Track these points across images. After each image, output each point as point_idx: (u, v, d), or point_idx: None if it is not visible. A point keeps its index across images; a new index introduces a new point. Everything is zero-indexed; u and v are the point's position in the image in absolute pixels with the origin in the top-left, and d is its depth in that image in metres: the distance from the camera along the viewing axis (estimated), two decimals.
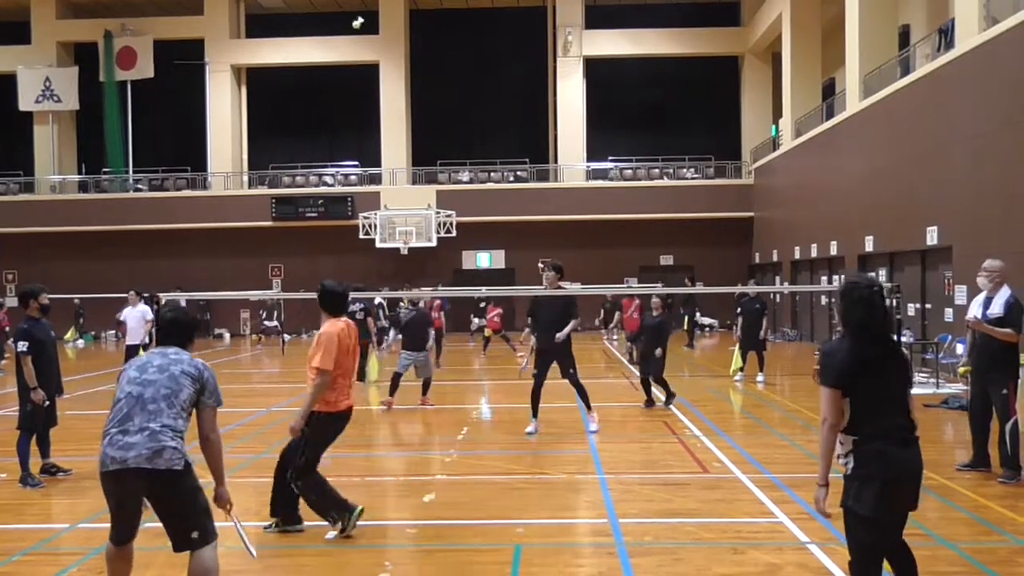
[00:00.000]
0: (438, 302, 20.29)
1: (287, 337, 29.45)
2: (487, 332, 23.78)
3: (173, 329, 5.34)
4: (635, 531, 7.02)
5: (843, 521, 4.54)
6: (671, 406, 13.28)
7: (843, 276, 22.66)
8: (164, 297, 10.93)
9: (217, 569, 5.02)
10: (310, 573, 6.32)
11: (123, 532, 5.06)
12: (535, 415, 11.36)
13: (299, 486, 6.93)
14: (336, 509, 6.95)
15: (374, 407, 14.64)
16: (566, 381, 11.36)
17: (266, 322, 30.54)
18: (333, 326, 6.95)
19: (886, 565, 4.69)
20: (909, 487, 4.45)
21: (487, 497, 8.26)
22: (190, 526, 4.91)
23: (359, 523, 6.99)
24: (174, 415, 4.94)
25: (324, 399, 6.86)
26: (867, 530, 4.41)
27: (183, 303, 28.69)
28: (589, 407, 11.50)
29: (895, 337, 4.53)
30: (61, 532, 7.50)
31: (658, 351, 13.32)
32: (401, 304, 15.75)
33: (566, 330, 10.98)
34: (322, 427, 6.96)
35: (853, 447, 4.42)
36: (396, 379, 13.95)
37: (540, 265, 12.14)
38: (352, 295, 17.19)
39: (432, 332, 14.71)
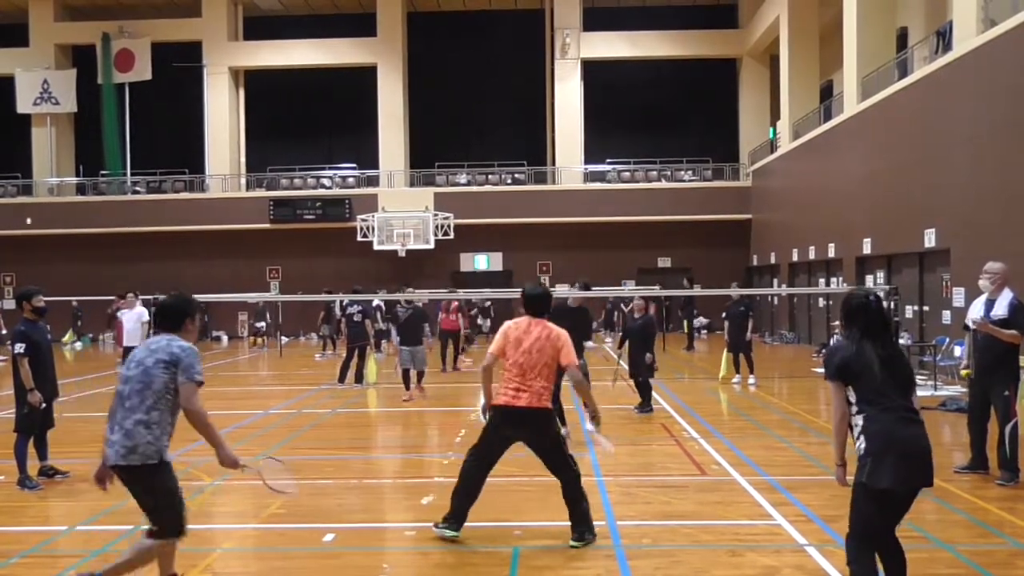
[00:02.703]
0: (455, 304, 20.34)
1: (284, 339, 29.44)
2: None
3: (162, 313, 5.52)
4: (633, 533, 7.01)
5: (851, 497, 4.87)
6: (642, 413, 13.20)
7: (846, 285, 22.79)
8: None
9: (146, 558, 5.34)
10: (309, 574, 6.31)
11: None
12: (563, 422, 11.27)
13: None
14: (454, 506, 6.93)
15: (373, 409, 14.65)
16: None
17: (256, 324, 30.58)
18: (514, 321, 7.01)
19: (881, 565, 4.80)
20: (919, 462, 4.77)
21: (485, 499, 8.22)
22: (154, 519, 5.25)
23: (358, 525, 6.97)
24: (147, 408, 5.17)
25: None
26: (878, 505, 4.75)
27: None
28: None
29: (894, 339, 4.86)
30: (59, 535, 7.48)
31: (648, 356, 13.25)
32: (400, 304, 15.85)
33: (583, 353, 10.80)
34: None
35: (864, 425, 4.79)
36: (405, 375, 14.26)
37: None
38: (350, 297, 17.35)
39: (427, 328, 14.99)
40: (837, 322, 20.01)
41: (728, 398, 15.42)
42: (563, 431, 11.21)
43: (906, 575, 4.89)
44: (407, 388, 14.84)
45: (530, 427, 6.82)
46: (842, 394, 4.87)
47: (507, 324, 6.97)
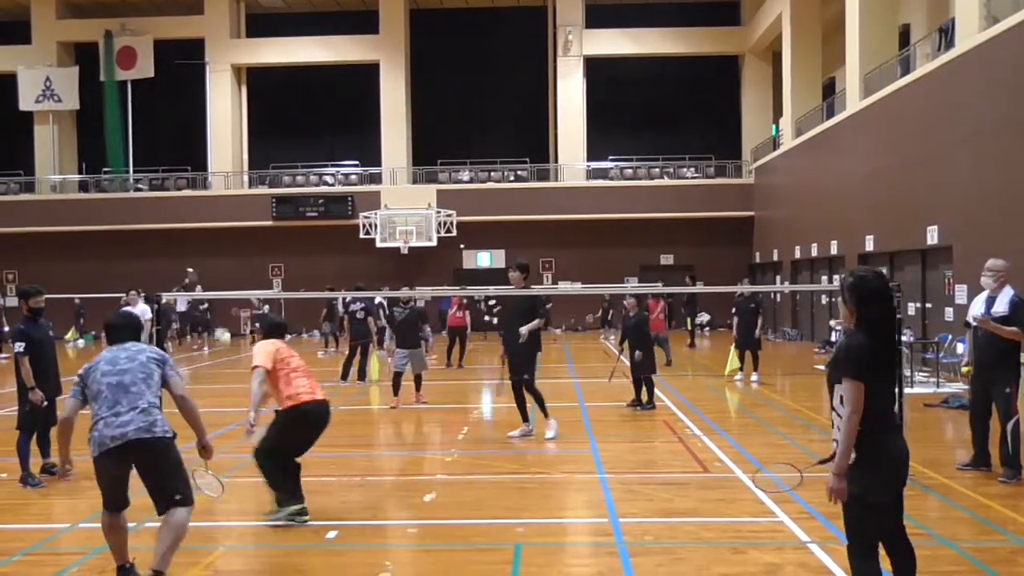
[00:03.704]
0: (454, 300, 20.32)
1: (287, 337, 29.42)
2: None
3: (124, 326, 6.17)
4: (635, 531, 7.01)
5: (845, 510, 4.58)
6: (644, 410, 13.21)
7: (843, 272, 22.64)
8: (165, 296, 10.85)
9: (187, 526, 5.74)
10: (311, 572, 6.32)
11: (117, 500, 5.79)
12: (525, 419, 11.12)
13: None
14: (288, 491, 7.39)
15: (375, 407, 14.65)
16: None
17: (255, 325, 30.67)
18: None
19: (885, 563, 4.72)
20: (905, 469, 4.63)
21: (488, 497, 8.27)
22: (174, 490, 5.69)
23: (361, 522, 6.96)
24: (153, 394, 5.78)
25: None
26: (877, 515, 4.52)
27: (182, 302, 28.84)
28: (525, 416, 11.03)
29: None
30: (61, 532, 7.49)
31: (637, 353, 13.26)
32: (399, 303, 15.69)
33: (528, 327, 10.63)
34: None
35: (862, 435, 4.45)
36: (397, 379, 13.97)
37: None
38: (353, 295, 17.35)
39: (428, 328, 14.69)
40: (839, 319, 20.03)
41: (730, 395, 15.42)
42: (523, 428, 11.15)
43: (915, 574, 4.75)
44: (395, 394, 13.87)
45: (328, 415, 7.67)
46: (863, 394, 4.35)
47: (268, 343, 7.72)
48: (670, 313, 28.95)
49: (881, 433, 4.50)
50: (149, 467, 5.68)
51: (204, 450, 6.05)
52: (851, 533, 4.64)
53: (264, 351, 7.60)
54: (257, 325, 30.23)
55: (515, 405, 11.09)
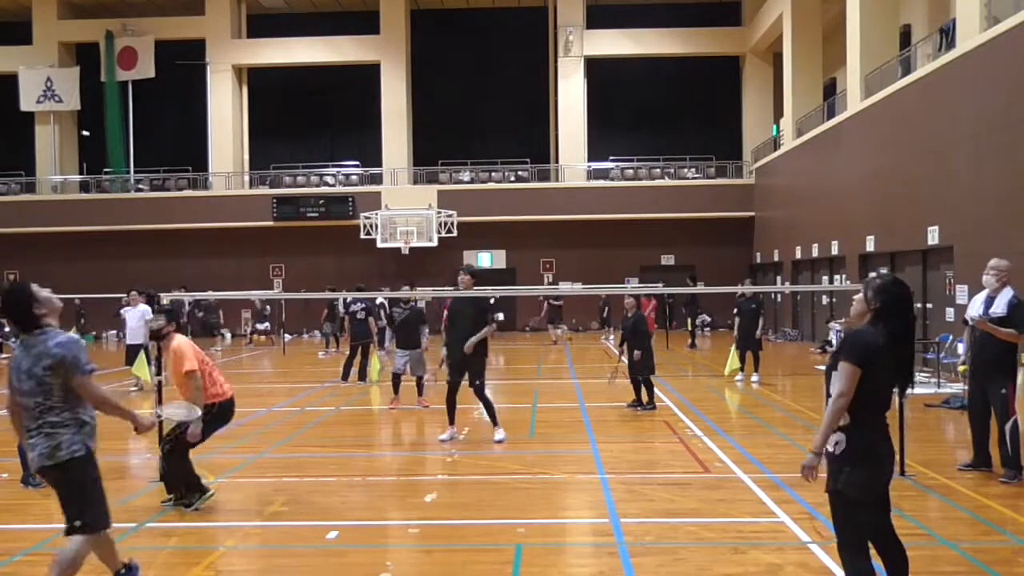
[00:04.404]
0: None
1: (288, 337, 29.48)
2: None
3: (24, 314, 5.22)
4: (636, 531, 7.01)
5: (831, 507, 4.68)
6: (644, 410, 13.22)
7: (843, 273, 22.77)
8: (166, 297, 10.83)
9: (74, 561, 5.23)
10: (312, 573, 6.32)
11: None
12: (451, 422, 11.12)
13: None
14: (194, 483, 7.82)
15: (376, 407, 14.65)
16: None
17: (257, 325, 30.73)
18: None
19: (879, 560, 4.76)
20: (890, 469, 4.68)
21: (488, 497, 8.27)
22: (75, 514, 5.20)
23: (362, 522, 6.97)
24: (56, 413, 5.13)
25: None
26: (858, 512, 4.58)
27: (186, 303, 28.84)
28: (495, 422, 11.03)
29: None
30: (62, 532, 7.48)
31: (636, 353, 13.28)
32: (399, 304, 15.66)
33: (474, 339, 10.65)
34: None
35: (851, 428, 4.53)
36: (396, 379, 13.99)
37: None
38: (354, 295, 17.37)
39: (426, 330, 14.54)
40: (842, 320, 20.01)
41: (731, 395, 15.42)
42: (449, 432, 11.13)
43: (907, 573, 4.81)
44: (395, 393, 13.95)
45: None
46: (856, 381, 4.45)
47: (186, 343, 7.84)
48: (671, 313, 29.11)
49: (869, 433, 4.57)
50: (57, 490, 5.29)
51: (140, 429, 5.59)
52: (838, 528, 4.70)
53: (192, 352, 7.75)
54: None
55: (468, 408, 11.14)
